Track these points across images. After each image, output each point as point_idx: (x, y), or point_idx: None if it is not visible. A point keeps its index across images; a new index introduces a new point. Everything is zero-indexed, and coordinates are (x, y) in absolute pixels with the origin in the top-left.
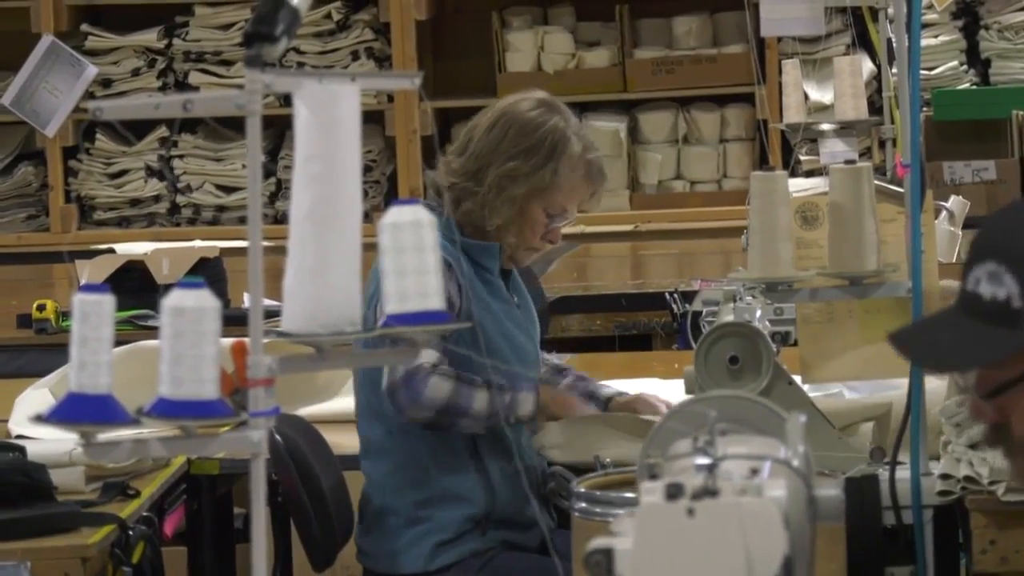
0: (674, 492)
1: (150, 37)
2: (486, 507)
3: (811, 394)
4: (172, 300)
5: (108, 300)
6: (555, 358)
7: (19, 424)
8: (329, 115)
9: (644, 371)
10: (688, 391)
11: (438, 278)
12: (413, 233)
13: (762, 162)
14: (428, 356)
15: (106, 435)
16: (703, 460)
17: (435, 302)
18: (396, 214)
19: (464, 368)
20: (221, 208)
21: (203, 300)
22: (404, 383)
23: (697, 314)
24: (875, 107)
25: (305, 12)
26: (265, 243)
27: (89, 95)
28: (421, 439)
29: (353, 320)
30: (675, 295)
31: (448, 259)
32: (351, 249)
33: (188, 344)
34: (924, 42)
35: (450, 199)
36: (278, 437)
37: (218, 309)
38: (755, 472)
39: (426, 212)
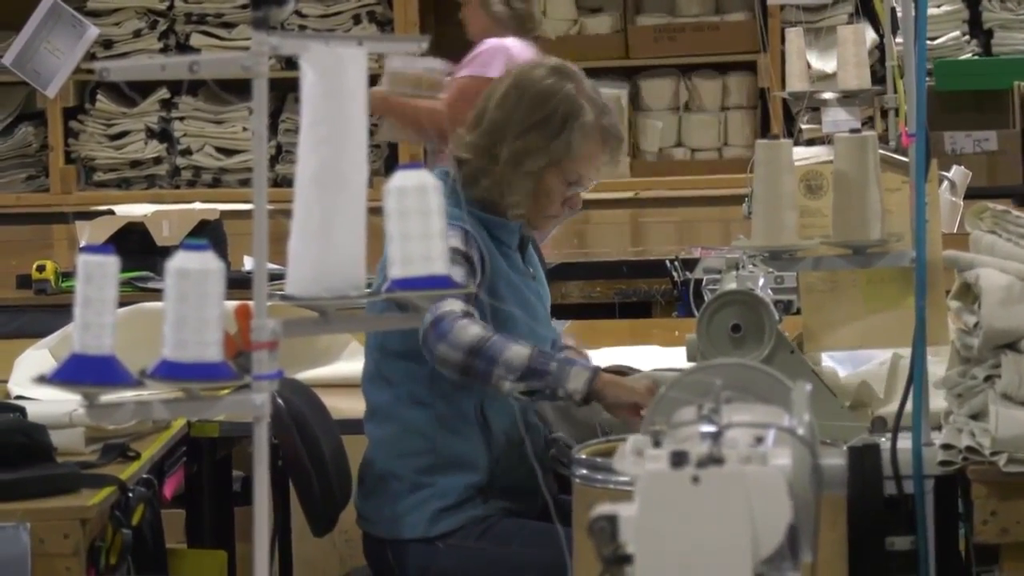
0: (679, 460)
1: None
2: (489, 476)
3: None
4: (177, 262)
5: (112, 261)
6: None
7: (19, 385)
8: (336, 79)
9: (644, 338)
10: (690, 359)
11: (443, 242)
12: (418, 197)
13: (763, 130)
14: (454, 304)
15: (109, 396)
16: (708, 428)
17: (439, 266)
18: (402, 178)
19: None
20: (221, 171)
21: (207, 262)
22: (433, 325)
23: (699, 282)
24: (877, 76)
25: None
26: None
27: (90, 56)
28: (428, 407)
29: (357, 284)
30: (675, 263)
31: (467, 228)
32: (356, 213)
33: (192, 306)
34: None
35: (465, 175)
36: (280, 401)
37: (222, 271)
38: (760, 440)
39: (431, 176)
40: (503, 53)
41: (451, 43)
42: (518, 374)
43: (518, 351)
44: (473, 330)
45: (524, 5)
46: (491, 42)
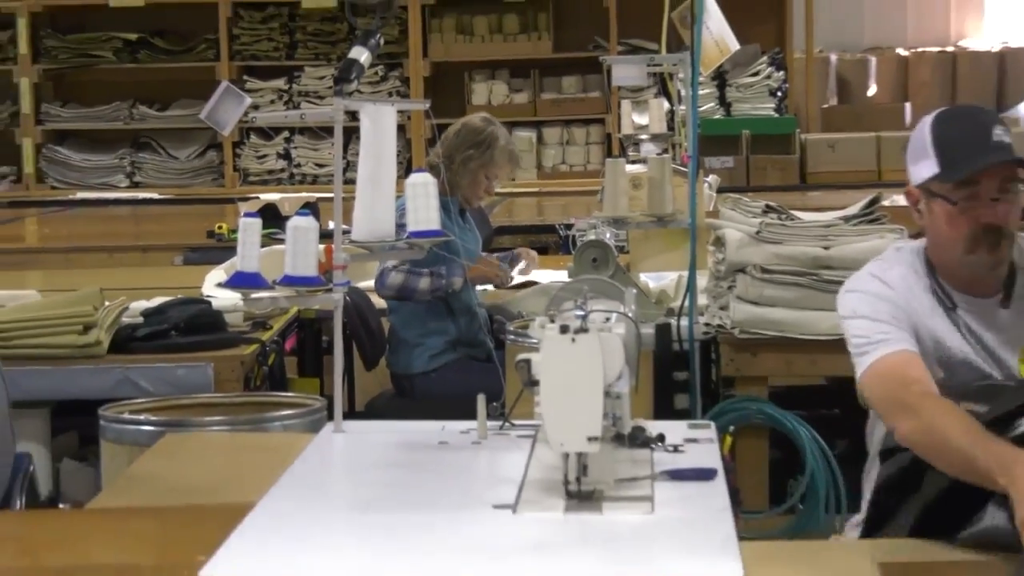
0: (564, 329)
1: (280, 83)
2: (456, 335)
3: None
4: (293, 223)
5: (258, 222)
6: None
7: (207, 289)
8: (380, 124)
9: (545, 266)
10: (570, 276)
11: (437, 212)
12: (423, 187)
13: (609, 154)
14: (390, 260)
15: (256, 295)
16: (579, 312)
17: (435, 225)
18: (415, 177)
19: (440, 262)
20: (316, 176)
21: (310, 223)
22: (377, 277)
23: (574, 236)
24: (670, 126)
25: (367, 69)
26: (343, 196)
27: (246, 113)
28: (416, 304)
29: (390, 234)
30: (561, 226)
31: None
32: (389, 197)
33: (301, 246)
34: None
35: (436, 172)
36: (348, 298)
37: (317, 228)
38: (608, 319)
39: (431, 176)
40: None
41: (440, 108)
42: (428, 293)
43: (423, 281)
44: (398, 278)
45: None
46: None
